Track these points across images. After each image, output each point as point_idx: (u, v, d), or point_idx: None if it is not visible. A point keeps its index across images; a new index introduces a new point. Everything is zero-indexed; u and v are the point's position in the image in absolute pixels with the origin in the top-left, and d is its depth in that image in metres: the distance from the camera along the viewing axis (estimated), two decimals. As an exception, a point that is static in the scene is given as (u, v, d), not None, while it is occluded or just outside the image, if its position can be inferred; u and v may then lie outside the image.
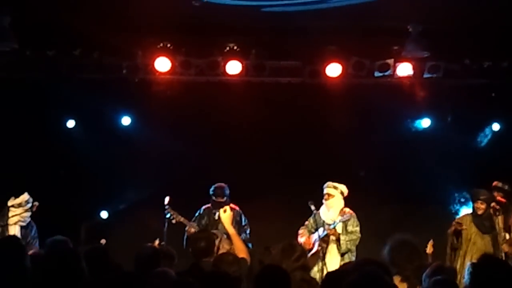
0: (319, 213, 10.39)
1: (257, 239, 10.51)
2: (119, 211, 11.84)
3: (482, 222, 10.20)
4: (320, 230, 10.17)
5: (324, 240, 10.12)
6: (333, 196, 10.37)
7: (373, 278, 4.40)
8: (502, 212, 10.24)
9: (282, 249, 6.39)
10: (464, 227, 10.18)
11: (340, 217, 10.23)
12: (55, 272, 3.96)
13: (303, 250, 6.58)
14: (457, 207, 11.34)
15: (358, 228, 10.28)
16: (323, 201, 10.41)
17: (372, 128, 11.57)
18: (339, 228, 10.24)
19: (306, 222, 10.47)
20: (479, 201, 10.21)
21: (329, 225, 10.22)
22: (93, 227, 11.59)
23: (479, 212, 10.21)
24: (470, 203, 10.59)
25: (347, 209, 10.40)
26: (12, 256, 4.19)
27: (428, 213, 11.67)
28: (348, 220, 10.27)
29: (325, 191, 10.43)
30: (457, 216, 10.76)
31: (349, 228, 10.25)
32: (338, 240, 10.18)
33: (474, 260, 9.37)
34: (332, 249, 10.15)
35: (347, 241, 10.18)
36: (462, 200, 11.36)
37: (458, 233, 10.16)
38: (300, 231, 10.44)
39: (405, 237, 6.52)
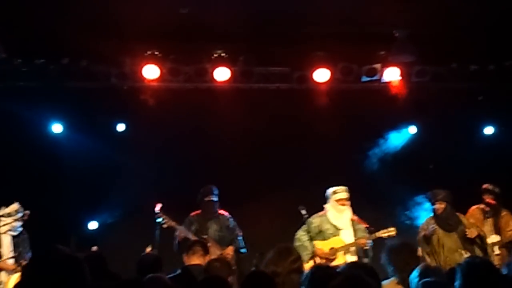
0: (322, 215, 10.17)
1: (249, 244, 10.54)
2: (110, 219, 11.79)
3: (446, 221, 10.11)
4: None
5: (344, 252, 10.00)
6: (349, 201, 10.16)
7: (356, 281, 4.44)
8: (492, 215, 10.29)
9: (278, 251, 6.40)
10: (431, 230, 10.09)
11: (380, 233, 9.96)
12: (60, 280, 3.94)
13: (299, 254, 6.58)
14: (416, 213, 11.26)
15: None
16: (339, 206, 10.08)
17: (360, 132, 11.60)
18: (351, 237, 10.05)
19: (306, 227, 10.03)
20: (438, 202, 10.17)
21: (339, 229, 10.00)
22: (83, 235, 11.56)
23: (439, 212, 10.14)
24: (428, 205, 10.57)
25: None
26: None
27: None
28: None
29: (341, 196, 10.10)
30: (421, 222, 10.65)
31: (361, 234, 10.08)
32: (366, 252, 9.95)
33: (447, 261, 9.57)
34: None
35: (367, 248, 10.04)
36: (418, 202, 11.27)
37: (427, 238, 10.10)
38: (299, 236, 10.03)
39: (404, 240, 6.57)
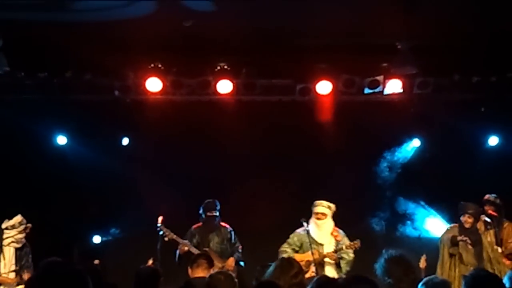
0: (305, 228, 10.17)
1: (250, 257, 10.54)
2: (113, 232, 11.79)
3: (469, 236, 10.10)
4: None
5: (320, 264, 10.02)
6: (326, 215, 10.21)
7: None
8: (494, 226, 10.26)
9: (280, 265, 6.41)
10: (463, 237, 10.10)
11: (346, 246, 10.07)
12: None
13: (301, 267, 6.58)
14: (421, 225, 11.26)
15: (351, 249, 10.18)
16: (315, 220, 10.19)
17: (363, 144, 11.59)
18: (331, 248, 10.13)
19: (289, 240, 10.23)
20: (467, 215, 10.14)
21: (321, 245, 10.12)
22: (86, 248, 11.56)
23: (467, 226, 10.13)
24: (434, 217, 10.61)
25: (337, 228, 10.29)
26: None
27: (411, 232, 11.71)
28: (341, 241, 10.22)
29: (318, 210, 10.22)
30: (426, 235, 10.70)
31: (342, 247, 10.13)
32: (337, 265, 10.07)
33: (462, 273, 9.58)
34: (329, 272, 9.88)
35: (345, 263, 10.08)
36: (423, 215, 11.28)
37: (455, 240, 10.11)
38: (284, 249, 10.16)
39: (400, 251, 6.55)
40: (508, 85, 11.20)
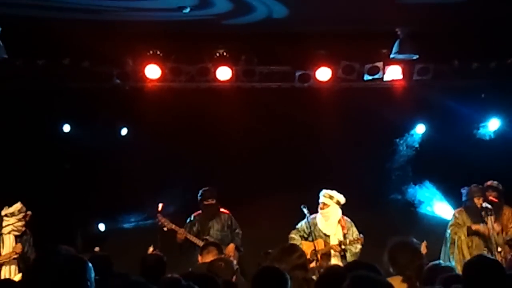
0: (314, 218, 10.18)
1: (249, 244, 10.55)
2: (112, 222, 11.79)
3: (477, 218, 10.22)
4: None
5: (326, 254, 10.02)
6: (328, 206, 10.17)
7: (366, 281, 4.41)
8: (494, 212, 10.27)
9: (283, 248, 6.45)
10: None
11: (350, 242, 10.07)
12: (63, 281, 3.90)
13: (303, 252, 6.60)
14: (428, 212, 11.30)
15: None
16: (318, 209, 10.20)
17: (363, 131, 11.58)
18: (336, 239, 10.09)
19: (298, 226, 10.23)
20: (476, 197, 10.28)
21: (327, 235, 10.10)
22: (88, 236, 11.56)
23: (479, 206, 10.21)
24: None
25: (345, 217, 10.27)
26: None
27: (420, 216, 11.73)
28: (349, 230, 10.20)
29: (320, 199, 10.21)
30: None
31: (350, 238, 10.14)
32: (343, 257, 10.03)
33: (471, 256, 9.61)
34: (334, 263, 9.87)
35: (351, 255, 10.03)
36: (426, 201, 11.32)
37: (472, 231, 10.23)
38: (292, 235, 10.19)
39: (405, 238, 6.58)
40: (508, 71, 11.19)
